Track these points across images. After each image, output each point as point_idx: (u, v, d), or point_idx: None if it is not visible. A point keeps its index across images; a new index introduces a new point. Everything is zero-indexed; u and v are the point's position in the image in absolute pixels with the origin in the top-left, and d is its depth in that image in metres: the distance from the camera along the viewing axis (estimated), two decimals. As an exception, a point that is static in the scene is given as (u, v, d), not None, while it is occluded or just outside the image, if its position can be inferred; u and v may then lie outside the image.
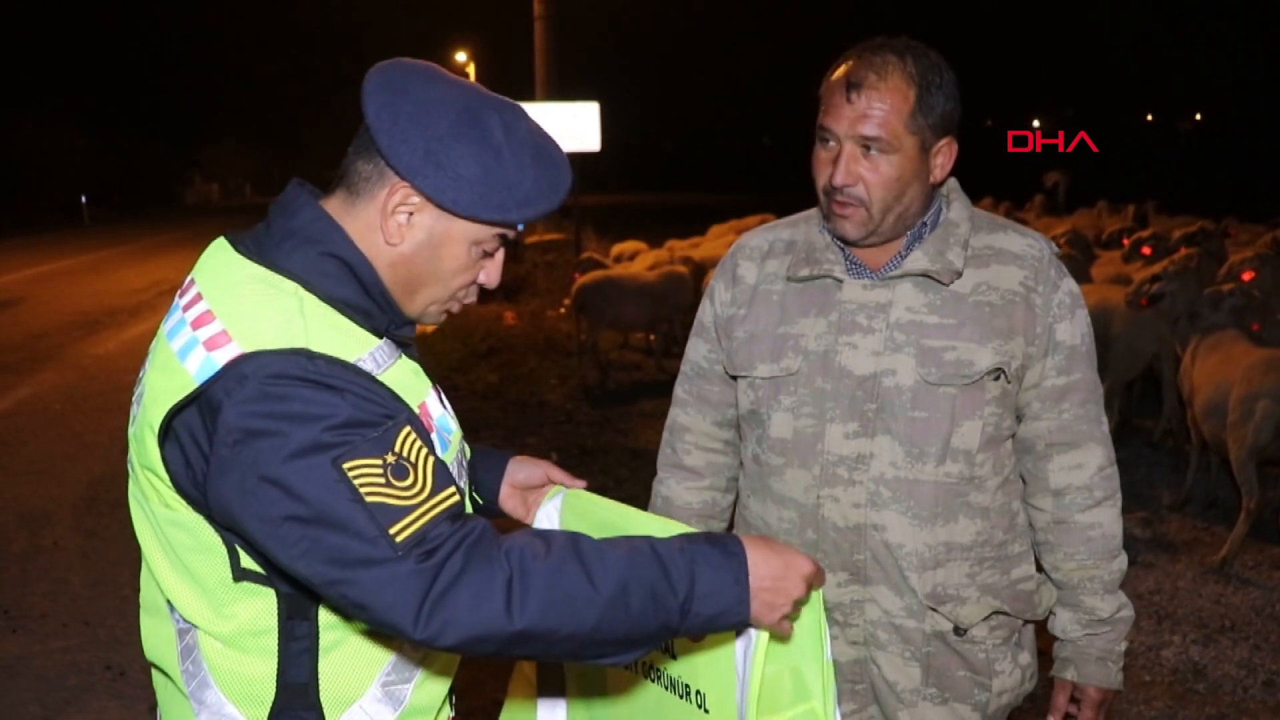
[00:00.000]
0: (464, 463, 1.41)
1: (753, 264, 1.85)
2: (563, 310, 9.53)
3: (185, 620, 1.29)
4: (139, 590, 1.40)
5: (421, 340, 1.44)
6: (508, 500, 1.62)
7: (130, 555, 1.48)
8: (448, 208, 1.25)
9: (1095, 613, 1.78)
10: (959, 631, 1.73)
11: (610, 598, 1.15)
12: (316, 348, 1.18)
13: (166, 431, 1.20)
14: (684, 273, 8.16)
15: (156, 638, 1.35)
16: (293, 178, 1.33)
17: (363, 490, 1.13)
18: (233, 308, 1.21)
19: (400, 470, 1.16)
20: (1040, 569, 1.83)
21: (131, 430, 1.29)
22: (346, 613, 1.24)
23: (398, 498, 1.14)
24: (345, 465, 1.13)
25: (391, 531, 1.13)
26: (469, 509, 1.39)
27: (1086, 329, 1.75)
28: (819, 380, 1.73)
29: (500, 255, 1.35)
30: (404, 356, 1.32)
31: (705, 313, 1.92)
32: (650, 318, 8.04)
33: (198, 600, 1.27)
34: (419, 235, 1.27)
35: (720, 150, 37.86)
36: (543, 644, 1.16)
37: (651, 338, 8.73)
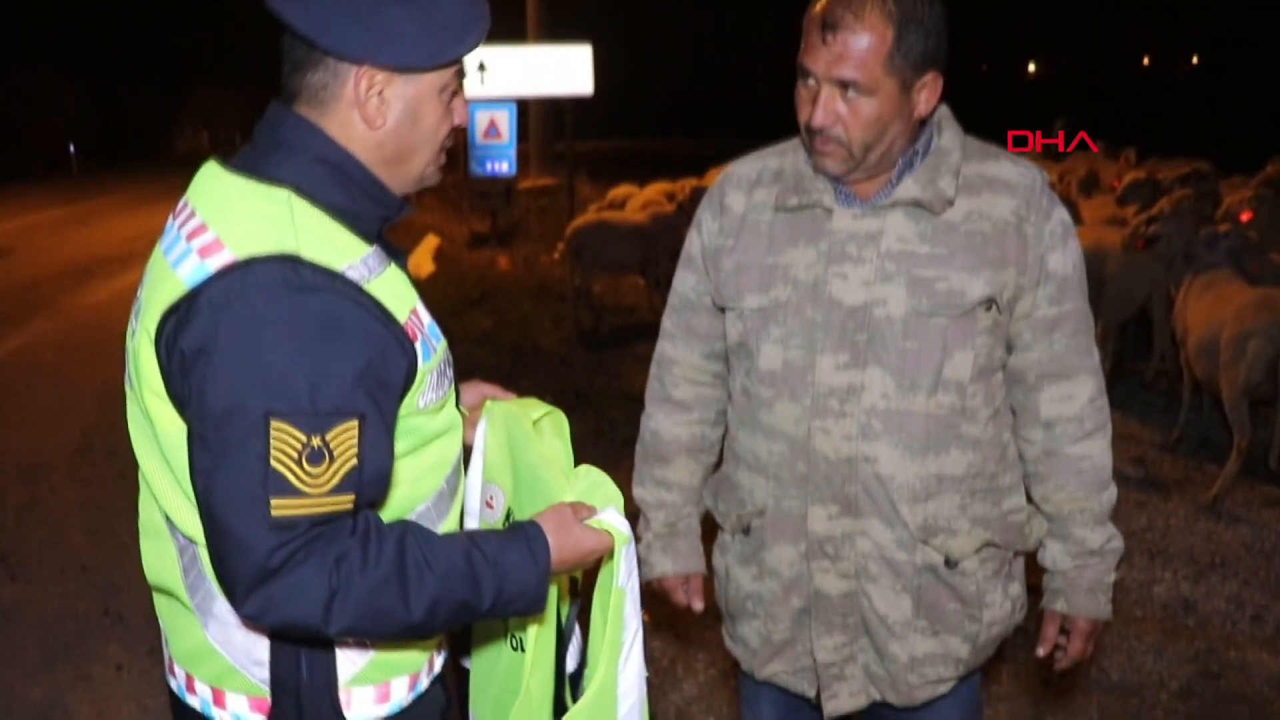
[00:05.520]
0: (448, 371, 1.43)
1: (740, 193, 1.82)
2: (556, 255, 9.47)
3: (186, 538, 1.32)
4: (137, 519, 1.42)
5: (414, 286, 1.47)
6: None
7: (127, 503, 1.52)
8: (412, 67, 1.29)
9: (1085, 544, 1.78)
10: (950, 564, 1.73)
11: (420, 618, 1.25)
12: (306, 254, 1.21)
13: (159, 339, 1.23)
14: (671, 212, 8.15)
15: (158, 558, 1.38)
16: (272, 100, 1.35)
17: (273, 450, 1.17)
18: (224, 217, 1.25)
19: (316, 456, 1.19)
20: (1030, 501, 1.83)
21: (130, 345, 1.32)
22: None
23: (298, 478, 1.18)
24: (273, 420, 1.16)
25: (274, 503, 1.17)
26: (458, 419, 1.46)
27: (1078, 259, 1.73)
28: (809, 311, 1.71)
29: (463, 92, 1.40)
30: (394, 265, 1.34)
31: (693, 244, 1.90)
32: (641, 259, 8.02)
33: (196, 517, 1.29)
34: (396, 107, 1.32)
35: (717, 95, 37.26)
36: (350, 636, 1.28)
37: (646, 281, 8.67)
